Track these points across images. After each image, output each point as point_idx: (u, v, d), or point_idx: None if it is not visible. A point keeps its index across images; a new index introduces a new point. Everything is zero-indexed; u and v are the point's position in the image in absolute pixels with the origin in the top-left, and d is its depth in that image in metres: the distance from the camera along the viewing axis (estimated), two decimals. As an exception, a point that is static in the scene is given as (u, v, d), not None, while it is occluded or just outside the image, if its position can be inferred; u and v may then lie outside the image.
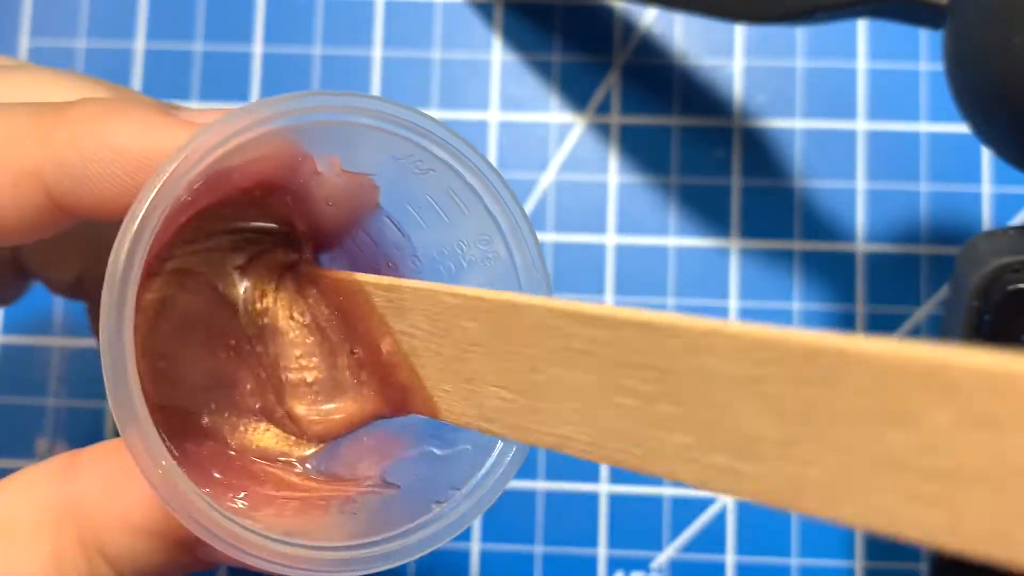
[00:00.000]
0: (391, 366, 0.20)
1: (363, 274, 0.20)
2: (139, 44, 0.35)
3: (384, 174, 0.21)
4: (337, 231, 0.23)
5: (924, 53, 0.34)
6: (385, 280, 0.20)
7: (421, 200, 0.21)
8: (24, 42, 0.36)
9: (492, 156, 0.34)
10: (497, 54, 0.35)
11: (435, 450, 0.21)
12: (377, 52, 0.35)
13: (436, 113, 0.35)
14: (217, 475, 0.19)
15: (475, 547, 0.33)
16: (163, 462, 0.17)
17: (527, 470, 0.33)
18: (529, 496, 0.33)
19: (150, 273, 0.20)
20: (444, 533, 0.19)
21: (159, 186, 0.17)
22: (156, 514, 0.19)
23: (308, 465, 0.22)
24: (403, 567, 0.33)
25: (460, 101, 0.35)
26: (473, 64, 0.35)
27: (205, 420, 0.21)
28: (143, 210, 0.17)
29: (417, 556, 0.18)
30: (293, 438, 0.22)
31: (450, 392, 0.18)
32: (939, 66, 0.34)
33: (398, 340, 0.19)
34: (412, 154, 0.20)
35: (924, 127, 0.34)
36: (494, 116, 0.35)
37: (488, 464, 0.19)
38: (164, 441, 0.17)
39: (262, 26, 0.35)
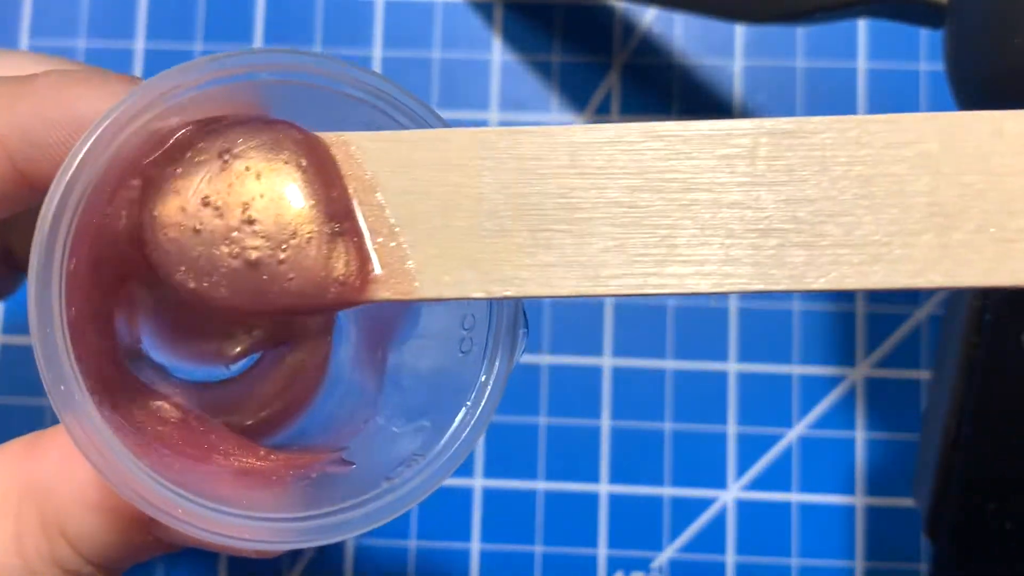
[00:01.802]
0: (353, 235, 0.18)
1: (361, 132, 0.18)
2: (139, 44, 0.35)
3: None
4: None
5: (924, 53, 0.34)
6: (393, 134, 0.18)
7: None
8: (24, 42, 0.36)
9: (492, 156, 0.34)
10: (497, 54, 0.35)
11: (394, 428, 0.20)
12: (377, 52, 0.35)
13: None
14: (164, 449, 0.19)
15: (475, 547, 0.33)
16: (93, 424, 0.17)
17: (527, 470, 0.33)
18: (529, 496, 0.33)
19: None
20: (390, 509, 0.18)
21: (98, 132, 0.17)
22: (110, 491, 0.18)
23: (265, 439, 0.21)
24: (403, 565, 0.33)
25: (460, 101, 0.35)
26: (473, 64, 0.35)
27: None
28: (75, 162, 0.17)
29: (361, 531, 0.18)
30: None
31: (446, 256, 0.17)
32: (939, 66, 0.34)
33: (382, 206, 0.18)
34: (374, 120, 0.19)
35: (924, 127, 0.34)
36: (494, 116, 0.35)
37: (442, 442, 0.18)
38: (105, 415, 0.17)
39: (262, 26, 0.35)
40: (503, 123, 0.35)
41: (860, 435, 0.33)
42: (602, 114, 0.34)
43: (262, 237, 0.18)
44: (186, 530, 0.17)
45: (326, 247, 0.18)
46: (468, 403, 0.18)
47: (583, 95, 0.35)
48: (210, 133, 0.18)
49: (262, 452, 0.20)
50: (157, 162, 0.18)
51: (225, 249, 0.18)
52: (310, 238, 0.18)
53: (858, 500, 0.33)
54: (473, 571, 0.33)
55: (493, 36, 0.35)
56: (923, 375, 0.33)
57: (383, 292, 0.18)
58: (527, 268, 0.17)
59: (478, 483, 0.33)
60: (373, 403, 0.21)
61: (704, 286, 0.16)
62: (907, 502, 0.32)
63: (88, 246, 0.18)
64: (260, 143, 0.18)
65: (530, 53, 0.35)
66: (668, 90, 0.34)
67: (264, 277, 0.18)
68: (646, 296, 0.17)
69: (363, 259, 0.18)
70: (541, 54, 0.35)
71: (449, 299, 0.17)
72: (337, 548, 0.33)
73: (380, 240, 0.18)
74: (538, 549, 0.33)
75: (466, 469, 0.33)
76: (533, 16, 0.35)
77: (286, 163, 0.18)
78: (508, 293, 0.17)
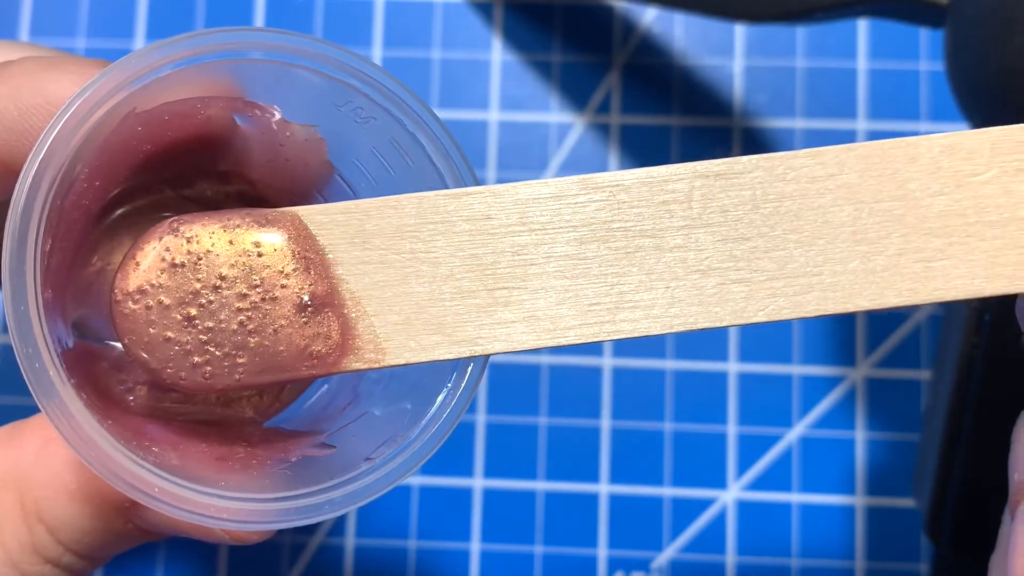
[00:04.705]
0: (326, 309, 0.18)
1: (312, 206, 0.18)
2: (139, 44, 0.35)
3: (326, 125, 0.20)
4: (293, 193, 0.21)
5: (924, 53, 0.34)
6: (344, 205, 0.18)
7: (366, 153, 0.20)
8: (24, 41, 0.36)
9: (492, 156, 0.34)
10: (497, 54, 0.35)
11: (375, 411, 0.20)
12: (377, 52, 0.35)
13: (436, 113, 0.35)
14: (144, 432, 0.19)
15: (475, 547, 0.33)
16: (67, 401, 0.16)
17: (527, 470, 0.33)
18: (529, 496, 0.33)
19: (88, 222, 0.20)
20: (372, 489, 0.18)
21: (69, 113, 0.17)
22: (87, 476, 0.18)
23: (251, 418, 0.21)
24: (403, 565, 0.33)
25: (460, 101, 0.35)
26: (473, 64, 0.35)
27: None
28: (47, 144, 0.17)
29: (342, 511, 0.18)
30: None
31: (410, 323, 0.18)
32: (939, 66, 0.34)
33: (343, 279, 0.18)
34: (351, 100, 0.19)
35: (924, 127, 0.34)
36: (494, 116, 0.35)
37: (423, 423, 0.18)
38: (83, 398, 0.17)
39: (262, 26, 0.35)
40: (503, 122, 0.35)
41: (860, 435, 0.33)
42: (602, 114, 0.34)
43: (217, 338, 0.18)
44: (163, 510, 0.17)
45: (300, 329, 0.18)
46: (448, 385, 0.18)
47: (583, 95, 0.35)
48: (174, 221, 0.18)
49: (246, 431, 0.20)
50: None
51: (198, 351, 0.18)
52: (281, 326, 0.18)
53: (858, 500, 0.33)
54: (473, 571, 0.33)
55: (493, 36, 0.35)
56: (923, 375, 0.33)
57: (355, 363, 0.18)
58: (488, 327, 0.18)
59: (478, 483, 0.33)
60: (354, 388, 0.21)
61: (655, 328, 0.17)
62: (907, 502, 0.32)
63: (64, 230, 0.18)
64: (226, 231, 0.18)
65: (530, 53, 0.35)
66: (668, 90, 0.34)
67: (237, 377, 0.18)
68: (602, 342, 0.17)
69: (345, 334, 0.18)
70: (541, 54, 0.35)
71: (417, 363, 0.18)
72: (337, 548, 0.33)
73: (348, 312, 0.18)
74: (538, 549, 0.33)
75: (466, 469, 0.33)
76: (533, 16, 0.35)
77: (251, 252, 0.18)
78: (473, 353, 0.18)
